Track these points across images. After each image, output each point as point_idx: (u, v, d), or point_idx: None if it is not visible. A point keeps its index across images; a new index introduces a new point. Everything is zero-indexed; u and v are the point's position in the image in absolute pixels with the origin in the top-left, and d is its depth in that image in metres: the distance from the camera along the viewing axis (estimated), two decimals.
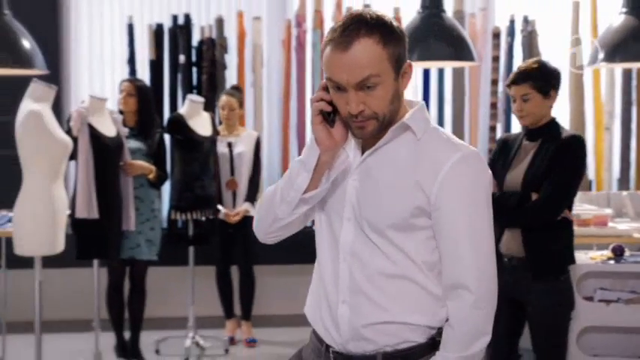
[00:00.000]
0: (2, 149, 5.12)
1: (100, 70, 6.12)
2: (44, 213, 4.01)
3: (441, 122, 6.16)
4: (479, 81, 6.17)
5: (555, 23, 6.21)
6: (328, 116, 1.82)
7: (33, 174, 4.02)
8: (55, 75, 5.35)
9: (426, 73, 6.12)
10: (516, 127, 6.17)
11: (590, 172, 6.17)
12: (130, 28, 5.93)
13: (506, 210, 3.25)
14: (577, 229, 3.80)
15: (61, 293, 5.67)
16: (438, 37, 4.35)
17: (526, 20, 6.07)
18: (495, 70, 6.07)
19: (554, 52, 6.10)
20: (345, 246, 1.87)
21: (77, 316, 5.64)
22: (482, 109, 6.21)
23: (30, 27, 4.31)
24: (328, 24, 6.06)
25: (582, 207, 4.21)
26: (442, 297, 1.85)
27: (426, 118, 1.85)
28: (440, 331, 1.85)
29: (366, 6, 6.06)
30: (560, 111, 6.11)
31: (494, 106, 6.11)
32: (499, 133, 6.13)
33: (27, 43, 4.16)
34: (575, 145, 3.21)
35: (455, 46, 4.34)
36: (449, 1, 6.05)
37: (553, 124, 3.31)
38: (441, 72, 6.14)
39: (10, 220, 4.33)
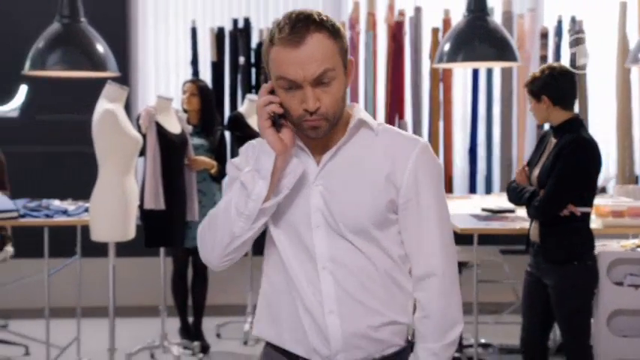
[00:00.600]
0: (79, 146, 5.50)
1: (165, 71, 6.49)
2: (117, 203, 4.36)
3: (489, 120, 6.38)
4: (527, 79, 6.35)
5: (603, 23, 6.36)
6: (276, 121, 1.77)
7: (107, 168, 4.38)
8: (125, 77, 5.73)
9: (475, 73, 6.33)
10: None
11: (638, 168, 6.32)
12: (194, 32, 6.27)
13: (522, 204, 3.64)
14: (612, 220, 4.03)
15: (130, 281, 6.02)
16: (483, 39, 4.58)
17: (573, 20, 6.23)
18: None
19: (600, 52, 6.28)
20: (323, 253, 1.81)
21: (145, 303, 6.00)
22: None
23: (103, 33, 4.64)
24: (381, 26, 6.33)
25: (619, 200, 4.42)
26: (411, 293, 1.86)
27: (370, 115, 1.87)
28: (411, 330, 1.87)
29: (417, 9, 6.31)
30: (608, 109, 6.29)
31: None
32: None
33: (101, 47, 4.51)
34: (575, 147, 3.47)
35: (498, 48, 4.57)
36: (498, 2, 6.29)
37: (571, 124, 3.57)
38: (489, 72, 6.35)
39: (86, 210, 4.68)
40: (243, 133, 5.38)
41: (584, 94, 6.26)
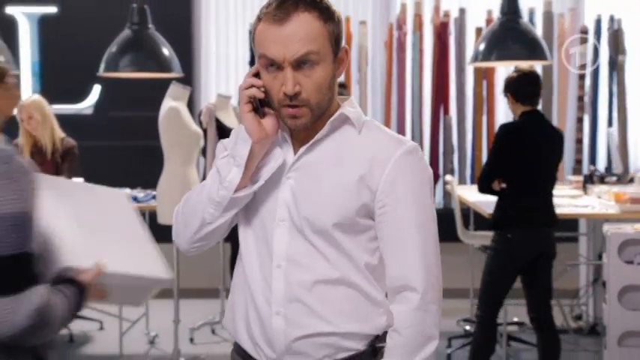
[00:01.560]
0: (146, 140, 6.01)
1: (225, 71, 6.97)
2: (181, 191, 4.77)
3: None
4: (567, 76, 6.67)
5: None
6: (257, 107, 1.66)
7: (171, 159, 4.85)
8: (188, 77, 6.21)
9: None
10: (603, 119, 6.64)
11: None
12: (251, 34, 6.73)
13: None
14: (630, 206, 4.37)
15: (192, 265, 6.48)
16: (515, 39, 4.92)
17: (612, 19, 6.52)
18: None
19: (639, 49, 6.55)
20: (280, 250, 1.68)
21: (206, 285, 6.46)
22: (570, 102, 6.70)
23: (168, 37, 5.11)
24: (427, 27, 6.70)
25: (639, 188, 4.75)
26: (382, 303, 1.71)
27: (360, 111, 1.73)
28: (380, 337, 1.71)
29: (462, 10, 6.66)
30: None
31: (581, 98, 6.60)
32: (586, 125, 6.62)
33: (166, 51, 4.97)
34: (498, 131, 4.10)
35: (529, 48, 4.90)
36: (539, 2, 6.61)
37: (524, 115, 4.11)
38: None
39: (153, 197, 5.17)
40: None
41: (623, 89, 6.53)
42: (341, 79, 6.64)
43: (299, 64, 1.61)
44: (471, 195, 5.30)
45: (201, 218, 1.71)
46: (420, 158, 1.71)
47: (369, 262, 1.70)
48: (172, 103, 4.83)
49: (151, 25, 4.99)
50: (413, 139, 6.63)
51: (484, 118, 6.68)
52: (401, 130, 6.66)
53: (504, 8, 5.00)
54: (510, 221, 4.04)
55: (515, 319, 5.45)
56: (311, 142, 1.69)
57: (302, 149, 1.70)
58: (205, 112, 5.17)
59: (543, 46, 4.95)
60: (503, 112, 6.80)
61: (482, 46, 5.01)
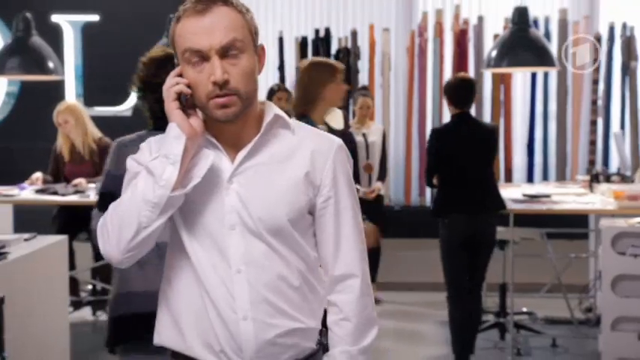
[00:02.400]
0: None
1: None
2: None
3: (545, 117, 7.01)
4: (582, 81, 6.96)
5: None
6: (183, 106, 1.68)
7: None
8: None
9: (533, 75, 6.96)
10: (615, 122, 6.93)
11: None
12: (280, 41, 7.11)
13: None
14: (627, 202, 4.69)
15: None
16: (525, 47, 5.26)
17: (624, 26, 6.80)
18: (596, 71, 6.84)
19: None
20: (237, 255, 1.70)
21: None
22: (584, 106, 7.00)
23: None
24: (447, 33, 7.04)
25: (638, 186, 5.04)
26: (323, 296, 1.79)
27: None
28: (322, 332, 1.79)
29: (480, 18, 6.99)
30: None
31: (594, 102, 6.89)
32: (599, 127, 6.91)
33: None
34: (429, 136, 4.69)
35: (538, 55, 5.24)
36: (554, 10, 6.92)
37: (452, 117, 4.65)
38: (546, 73, 6.96)
39: None
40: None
41: (635, 94, 6.81)
42: (364, 82, 7.08)
43: (225, 51, 1.64)
44: None
45: (138, 223, 1.67)
46: (347, 152, 1.81)
47: (315, 256, 1.78)
48: None
49: None
50: None
51: (501, 120, 6.99)
52: (422, 132, 7.01)
53: (515, 18, 5.35)
54: (444, 209, 4.57)
55: (524, 309, 5.77)
56: (250, 146, 1.72)
57: (242, 154, 1.72)
58: None
59: (551, 53, 5.29)
60: (520, 115, 7.12)
61: (494, 53, 5.36)
